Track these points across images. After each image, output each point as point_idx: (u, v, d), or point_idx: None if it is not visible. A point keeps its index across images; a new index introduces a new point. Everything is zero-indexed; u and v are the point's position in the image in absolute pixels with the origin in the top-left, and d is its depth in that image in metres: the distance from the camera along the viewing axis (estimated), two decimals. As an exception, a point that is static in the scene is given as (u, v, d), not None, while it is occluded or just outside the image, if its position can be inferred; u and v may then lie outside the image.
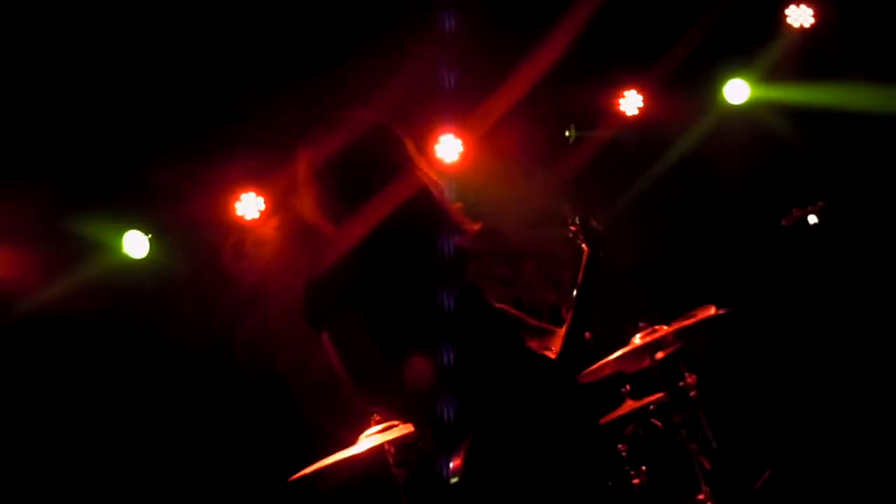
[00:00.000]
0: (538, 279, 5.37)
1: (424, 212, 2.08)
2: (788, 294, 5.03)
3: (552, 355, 2.21)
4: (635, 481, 3.69)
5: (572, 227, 2.53)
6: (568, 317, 2.30)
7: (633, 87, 5.52)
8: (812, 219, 4.61)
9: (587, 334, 2.27)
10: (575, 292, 2.31)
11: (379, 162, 2.08)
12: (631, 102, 5.58)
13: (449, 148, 5.18)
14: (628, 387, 4.14)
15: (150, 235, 4.66)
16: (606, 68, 5.36)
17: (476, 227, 2.16)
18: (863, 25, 4.96)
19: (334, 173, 2.09)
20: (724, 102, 5.62)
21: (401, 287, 2.00)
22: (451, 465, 1.88)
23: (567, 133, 5.51)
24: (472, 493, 1.86)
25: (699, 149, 5.69)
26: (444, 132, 5.14)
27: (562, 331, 2.26)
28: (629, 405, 4.03)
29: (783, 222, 4.56)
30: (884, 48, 4.92)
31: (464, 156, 5.21)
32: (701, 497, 3.46)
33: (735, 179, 5.59)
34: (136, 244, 4.67)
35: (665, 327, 3.74)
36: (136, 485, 4.22)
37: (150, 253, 4.69)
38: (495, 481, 1.88)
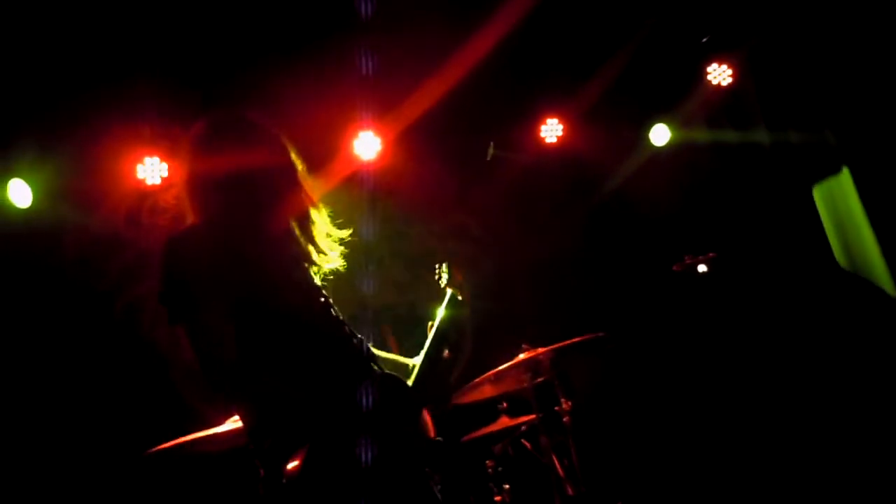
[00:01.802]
0: (436, 289, 5.39)
1: (293, 237, 2.09)
2: (671, 337, 5.21)
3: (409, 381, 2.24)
4: (497, 498, 3.75)
5: (439, 270, 2.66)
6: (425, 349, 2.36)
7: (555, 116, 5.63)
8: (701, 268, 4.81)
9: (446, 353, 2.34)
10: (433, 327, 2.38)
11: (263, 171, 2.08)
12: (551, 130, 5.70)
13: (367, 145, 5.17)
14: (505, 405, 4.19)
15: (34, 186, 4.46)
16: (531, 93, 5.44)
17: (337, 260, 2.18)
18: (774, 87, 5.22)
19: (214, 165, 2.07)
20: (649, 143, 5.83)
21: (261, 301, 1.98)
22: (288, 466, 1.87)
23: (488, 150, 5.57)
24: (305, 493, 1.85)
25: (616, 184, 5.88)
26: (363, 129, 5.11)
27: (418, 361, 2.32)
28: (503, 422, 4.09)
29: (674, 268, 4.74)
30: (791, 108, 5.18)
31: (381, 154, 5.20)
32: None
33: (644, 218, 5.78)
34: (20, 193, 4.48)
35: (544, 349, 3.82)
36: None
37: (34, 204, 4.49)
38: (329, 489, 1.87)
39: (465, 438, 4.10)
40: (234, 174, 2.07)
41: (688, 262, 4.76)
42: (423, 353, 2.30)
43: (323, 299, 2.14)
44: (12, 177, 4.43)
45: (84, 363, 4.38)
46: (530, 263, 5.63)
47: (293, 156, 2.19)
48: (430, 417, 3.67)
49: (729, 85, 5.40)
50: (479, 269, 5.47)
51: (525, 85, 5.38)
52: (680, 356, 5.05)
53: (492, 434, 4.03)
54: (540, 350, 3.80)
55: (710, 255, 4.73)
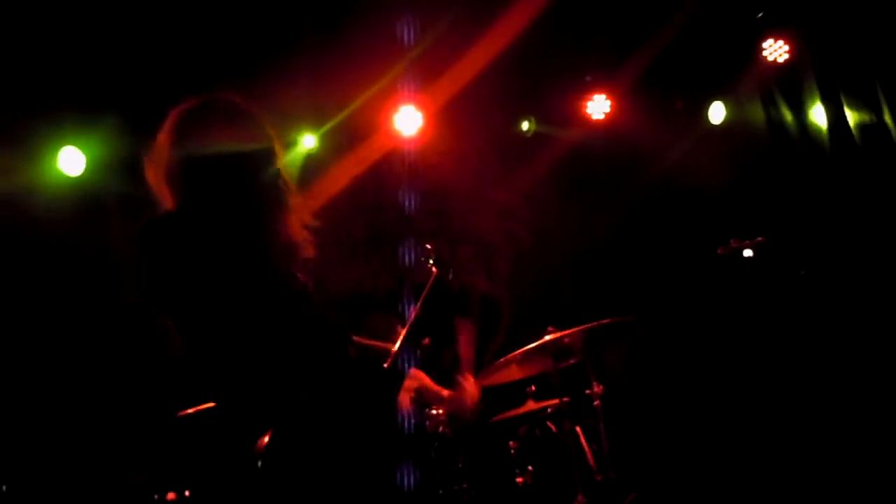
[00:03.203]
0: (473, 265, 5.35)
1: (269, 217, 2.07)
2: (711, 322, 5.07)
3: (385, 364, 2.22)
4: (519, 480, 3.72)
5: (428, 250, 2.60)
6: (403, 331, 2.32)
7: (602, 92, 5.49)
8: (747, 252, 4.65)
9: (426, 340, 2.31)
10: (414, 309, 2.34)
11: (244, 158, 2.06)
12: (598, 106, 5.56)
13: (408, 119, 5.13)
14: (533, 388, 4.15)
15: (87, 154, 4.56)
16: (578, 67, 5.31)
17: (310, 253, 2.15)
18: (833, 62, 4.96)
19: (193, 151, 2.06)
20: (702, 121, 5.65)
21: (236, 290, 1.98)
22: (257, 444, 1.88)
23: (526, 125, 5.47)
24: (271, 475, 1.87)
25: (666, 163, 5.72)
26: (405, 103, 5.07)
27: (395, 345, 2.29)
28: (530, 405, 4.05)
29: (719, 251, 4.59)
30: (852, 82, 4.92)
31: (422, 129, 5.17)
32: (575, 505, 3.50)
33: (694, 199, 5.62)
34: (72, 161, 4.59)
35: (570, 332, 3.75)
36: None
37: (86, 172, 4.60)
38: (295, 468, 1.88)
39: (491, 420, 4.08)
40: (213, 161, 2.05)
41: (734, 245, 4.60)
42: (400, 337, 2.27)
43: (300, 287, 2.12)
44: (67, 143, 4.52)
45: (123, 330, 4.48)
46: (573, 243, 5.55)
47: (275, 143, 2.17)
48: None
49: (785, 61, 5.17)
50: (519, 247, 5.43)
51: (571, 58, 5.25)
52: (718, 343, 4.91)
53: (517, 417, 3.99)
54: (565, 332, 3.73)
55: (759, 239, 4.56)
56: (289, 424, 1.91)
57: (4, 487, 4.02)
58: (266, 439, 1.89)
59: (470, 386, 3.43)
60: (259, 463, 1.87)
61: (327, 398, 1.97)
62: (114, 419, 4.23)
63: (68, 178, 4.57)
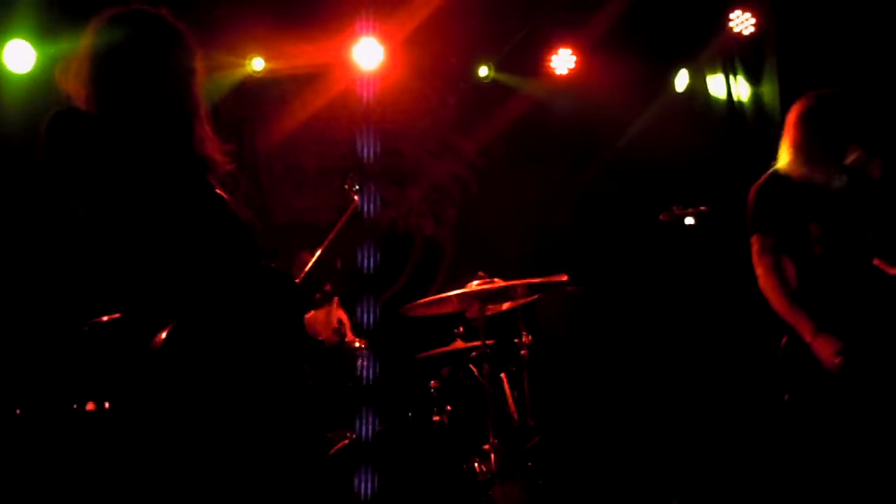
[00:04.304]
0: (421, 207, 5.35)
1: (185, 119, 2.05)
2: (646, 285, 5.13)
3: (297, 278, 2.23)
4: (435, 418, 3.77)
5: (352, 178, 2.62)
6: (318, 250, 2.33)
7: (568, 46, 5.45)
8: (689, 219, 4.69)
9: (338, 263, 2.33)
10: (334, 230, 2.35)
11: (156, 56, 2.03)
12: (562, 61, 5.52)
13: (368, 53, 5.03)
14: (462, 328, 4.18)
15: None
16: (544, 19, 5.25)
17: (228, 167, 2.13)
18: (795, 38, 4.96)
19: (117, 57, 2.02)
20: (668, 88, 5.64)
21: (145, 194, 1.96)
22: (155, 338, 1.88)
23: (485, 71, 5.42)
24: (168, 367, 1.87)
25: (628, 126, 5.72)
26: (365, 34, 4.97)
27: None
28: (456, 346, 4.08)
29: (661, 217, 4.62)
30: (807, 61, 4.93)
31: (382, 66, 5.08)
32: (486, 447, 3.55)
33: (646, 163, 5.64)
34: (20, 56, 4.44)
35: (500, 282, 3.76)
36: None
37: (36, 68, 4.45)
38: (191, 365, 1.89)
39: (417, 356, 4.10)
40: (127, 70, 2.02)
41: (676, 212, 4.64)
42: (314, 257, 2.28)
43: (213, 194, 2.10)
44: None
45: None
46: (522, 196, 5.55)
47: (197, 60, 2.14)
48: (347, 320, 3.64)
49: (750, 34, 5.16)
50: (466, 191, 5.42)
51: (538, 8, 5.18)
52: (651, 306, 4.97)
53: (442, 355, 4.02)
54: (493, 282, 3.75)
55: (702, 208, 4.60)
56: (188, 322, 1.91)
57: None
58: (163, 335, 1.89)
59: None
60: (153, 358, 1.87)
61: (230, 299, 1.97)
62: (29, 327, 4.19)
63: (14, 74, 4.44)
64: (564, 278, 3.94)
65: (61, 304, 4.10)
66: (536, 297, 3.96)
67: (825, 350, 2.73)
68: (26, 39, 4.44)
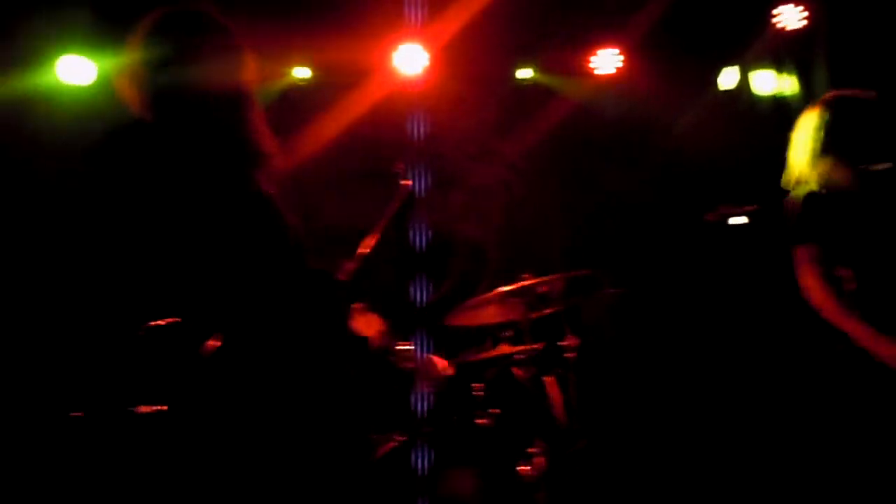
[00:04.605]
0: (464, 212, 5.35)
1: (235, 119, 2.07)
2: (695, 289, 5.05)
3: (343, 277, 2.24)
4: (480, 421, 3.77)
5: (398, 167, 2.60)
6: (369, 243, 2.32)
7: (612, 46, 5.40)
8: (736, 219, 4.62)
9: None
10: (384, 222, 2.33)
11: (208, 58, 2.05)
12: (605, 61, 5.48)
13: (410, 59, 5.07)
14: (510, 333, 4.17)
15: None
16: (586, 20, 5.22)
17: (281, 163, 2.14)
18: (846, 35, 4.84)
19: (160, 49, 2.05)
20: (714, 86, 5.55)
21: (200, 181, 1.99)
22: (206, 344, 1.91)
23: (527, 73, 5.41)
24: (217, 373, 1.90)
25: (675, 126, 5.64)
26: (407, 40, 5.01)
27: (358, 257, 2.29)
28: (502, 349, 4.08)
29: (707, 217, 4.56)
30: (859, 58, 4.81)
31: (425, 71, 5.11)
32: (532, 450, 3.54)
33: (694, 163, 5.56)
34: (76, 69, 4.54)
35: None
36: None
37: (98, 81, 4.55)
38: (241, 370, 1.91)
39: (461, 361, 4.11)
40: (177, 71, 2.04)
41: (723, 211, 4.57)
42: (363, 253, 2.29)
43: (264, 193, 2.12)
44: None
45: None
46: (567, 198, 5.52)
47: (248, 58, 2.15)
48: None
49: (800, 29, 5.05)
50: (509, 193, 5.41)
51: (579, 9, 5.15)
52: (698, 307, 4.90)
53: (487, 359, 4.02)
54: (539, 279, 3.74)
55: (751, 207, 4.52)
56: (237, 327, 1.94)
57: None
58: (212, 341, 1.92)
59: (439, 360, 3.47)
60: (203, 365, 1.90)
61: (278, 302, 1.99)
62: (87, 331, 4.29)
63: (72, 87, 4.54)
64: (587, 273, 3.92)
65: (119, 308, 4.19)
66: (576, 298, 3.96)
67: (889, 352, 2.69)
68: (82, 53, 4.53)
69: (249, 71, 2.16)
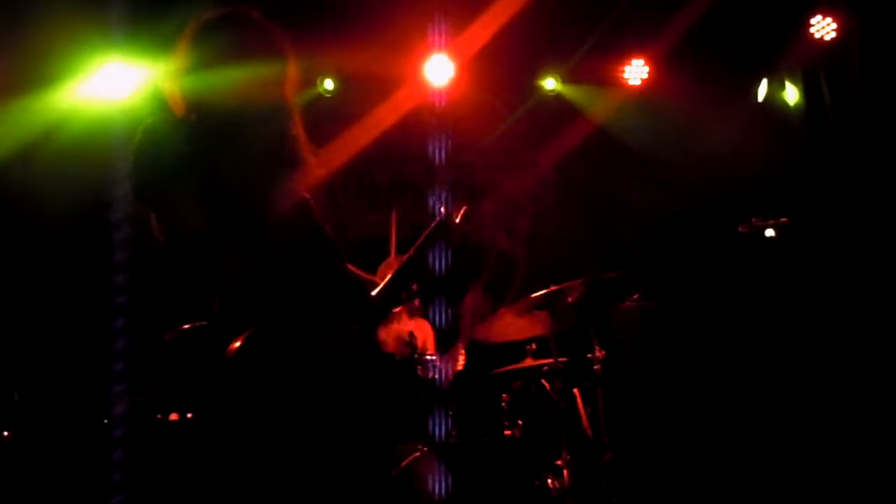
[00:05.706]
0: (494, 221, 5.34)
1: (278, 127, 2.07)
2: (726, 301, 4.98)
3: (372, 290, 2.23)
4: (507, 433, 3.74)
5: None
6: (399, 261, 2.31)
7: (641, 56, 5.38)
8: (769, 232, 4.55)
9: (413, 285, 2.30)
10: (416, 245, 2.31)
11: (251, 59, 2.05)
12: (635, 72, 5.45)
13: (439, 69, 5.08)
14: (534, 346, 4.16)
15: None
16: (615, 31, 5.19)
17: (319, 173, 2.14)
18: (880, 45, 4.76)
19: (208, 51, 2.05)
20: (752, 98, 5.50)
21: (239, 181, 1.99)
22: (230, 346, 1.91)
23: (555, 83, 5.39)
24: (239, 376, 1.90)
25: (706, 138, 5.59)
26: (435, 51, 5.02)
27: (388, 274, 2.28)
28: (527, 362, 4.06)
29: (740, 228, 4.50)
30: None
31: (453, 81, 5.12)
32: (559, 463, 3.51)
33: (723, 174, 5.50)
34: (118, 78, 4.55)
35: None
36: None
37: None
38: (263, 371, 1.91)
39: (490, 373, 4.10)
40: (222, 74, 2.04)
41: (756, 223, 4.51)
42: (391, 272, 2.27)
43: (299, 200, 2.12)
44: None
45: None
46: (594, 208, 5.49)
47: (290, 62, 2.15)
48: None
49: (832, 40, 4.99)
50: (539, 206, 5.39)
51: (608, 19, 5.13)
52: (728, 321, 4.82)
53: (514, 371, 4.01)
54: (563, 284, 3.72)
55: (782, 220, 4.45)
56: (263, 330, 1.93)
57: (16, 395, 4.15)
58: (237, 343, 1.92)
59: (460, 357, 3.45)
60: (227, 366, 1.90)
61: (306, 306, 1.98)
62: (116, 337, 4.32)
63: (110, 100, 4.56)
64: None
65: (147, 313, 4.23)
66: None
67: None
68: (124, 61, 4.54)
69: (292, 75, 2.17)
